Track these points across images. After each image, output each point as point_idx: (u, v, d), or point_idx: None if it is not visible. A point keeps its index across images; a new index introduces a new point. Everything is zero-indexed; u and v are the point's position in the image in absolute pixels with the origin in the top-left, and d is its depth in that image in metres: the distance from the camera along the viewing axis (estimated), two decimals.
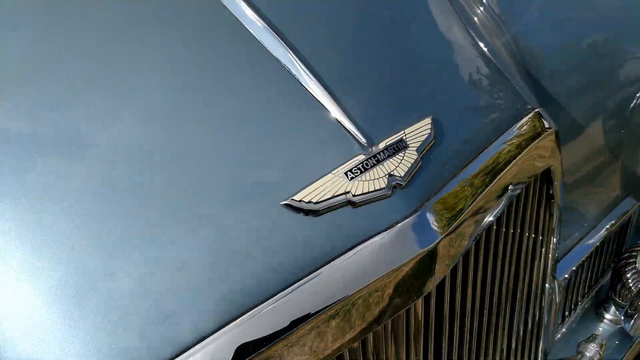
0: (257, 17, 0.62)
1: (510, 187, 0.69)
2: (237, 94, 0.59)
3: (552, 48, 1.04)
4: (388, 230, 0.53)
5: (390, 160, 0.55)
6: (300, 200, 0.51)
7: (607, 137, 1.10)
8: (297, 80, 0.59)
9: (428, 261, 0.55)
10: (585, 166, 1.09)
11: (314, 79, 0.59)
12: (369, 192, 0.53)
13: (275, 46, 0.61)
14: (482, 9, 0.96)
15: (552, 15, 1.07)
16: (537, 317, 0.97)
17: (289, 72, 0.59)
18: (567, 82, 1.04)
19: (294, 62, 0.60)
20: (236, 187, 0.53)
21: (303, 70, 0.59)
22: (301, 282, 0.49)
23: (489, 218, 0.64)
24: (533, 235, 0.86)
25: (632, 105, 1.12)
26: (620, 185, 1.16)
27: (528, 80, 0.98)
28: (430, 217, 0.55)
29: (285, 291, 0.49)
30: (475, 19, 0.98)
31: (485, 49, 0.85)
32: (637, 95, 1.09)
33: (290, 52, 0.60)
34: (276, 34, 0.61)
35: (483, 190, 0.61)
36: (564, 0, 1.09)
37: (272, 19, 0.63)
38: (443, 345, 0.72)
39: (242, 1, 0.63)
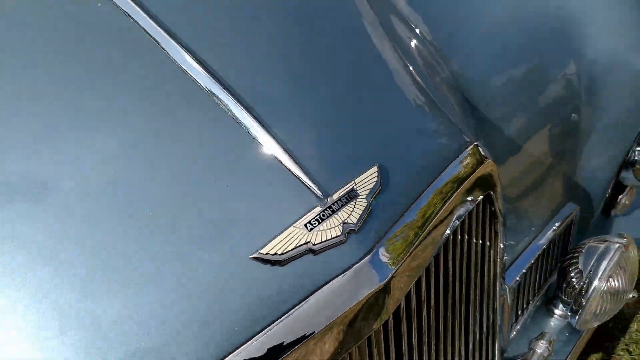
0: (206, 73, 0.69)
1: (457, 214, 0.79)
2: (197, 150, 0.66)
3: (489, 73, 1.13)
4: (345, 273, 0.61)
5: (344, 209, 0.63)
6: (267, 253, 0.59)
7: (548, 150, 1.21)
8: (254, 138, 0.66)
9: (384, 294, 0.64)
10: (530, 178, 1.19)
11: (269, 136, 0.66)
12: (327, 240, 0.61)
13: (229, 102, 0.68)
14: (415, 41, 1.04)
15: (485, 42, 1.16)
16: (491, 319, 1.07)
17: (247, 131, 0.66)
18: (507, 104, 1.14)
19: (250, 120, 0.67)
20: (207, 241, 0.60)
21: (260, 128, 0.66)
22: (274, 324, 0.57)
23: (436, 249, 0.73)
24: (481, 242, 0.94)
25: (571, 120, 1.22)
26: (562, 192, 1.26)
27: (467, 108, 1.07)
28: (383, 256, 0.64)
29: (259, 334, 0.57)
30: (413, 48, 1.06)
31: (423, 84, 0.94)
32: (572, 115, 1.19)
33: (245, 110, 0.67)
34: (230, 92, 0.68)
35: (428, 224, 0.70)
36: (496, 27, 1.19)
37: (220, 72, 0.70)
38: (404, 350, 0.80)
39: (186, 53, 0.70)
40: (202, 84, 0.69)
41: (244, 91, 0.70)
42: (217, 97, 0.69)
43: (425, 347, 0.84)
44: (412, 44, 1.06)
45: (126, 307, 0.57)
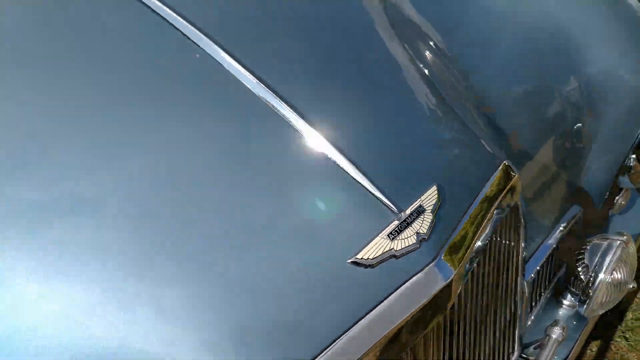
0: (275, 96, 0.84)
1: (493, 223, 0.94)
2: (283, 170, 0.81)
3: (500, 88, 1.28)
4: (420, 272, 0.76)
5: (416, 222, 0.78)
6: (361, 258, 0.74)
7: (556, 158, 1.36)
8: (339, 166, 0.80)
9: (449, 288, 0.79)
10: (541, 184, 1.34)
11: (349, 163, 0.80)
12: (405, 247, 0.76)
13: (305, 129, 0.82)
14: (434, 56, 1.18)
15: (497, 59, 1.31)
16: (513, 311, 1.22)
17: (329, 158, 0.81)
18: (518, 118, 1.29)
19: (334, 150, 0.81)
20: (305, 247, 0.75)
21: (341, 156, 0.81)
22: (369, 315, 0.72)
23: (482, 247, 0.89)
24: (507, 244, 1.10)
25: (574, 131, 1.38)
26: (567, 196, 1.42)
27: (487, 124, 1.21)
28: (447, 258, 0.79)
29: (359, 322, 0.71)
30: (436, 66, 1.19)
31: (455, 108, 1.08)
32: (576, 125, 1.35)
33: (318, 132, 0.82)
34: (303, 118, 0.82)
35: (477, 230, 0.86)
36: (509, 44, 1.34)
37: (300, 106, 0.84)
38: (454, 339, 0.95)
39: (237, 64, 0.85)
40: (278, 109, 0.83)
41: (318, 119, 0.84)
42: (289, 121, 0.82)
43: (467, 336, 0.99)
44: (432, 60, 1.20)
45: (218, 306, 0.70)
